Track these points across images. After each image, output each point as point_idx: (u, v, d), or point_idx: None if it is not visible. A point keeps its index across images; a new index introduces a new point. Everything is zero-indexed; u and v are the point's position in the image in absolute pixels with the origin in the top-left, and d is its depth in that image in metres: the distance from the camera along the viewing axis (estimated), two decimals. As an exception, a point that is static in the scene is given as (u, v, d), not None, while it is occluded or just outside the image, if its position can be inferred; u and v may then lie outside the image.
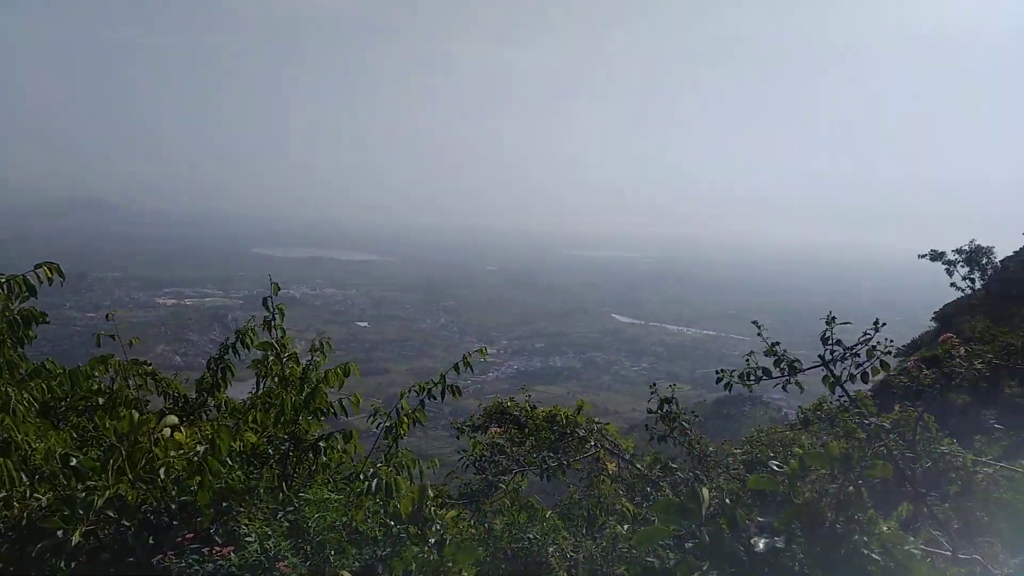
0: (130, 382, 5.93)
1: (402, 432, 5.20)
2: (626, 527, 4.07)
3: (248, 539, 3.45)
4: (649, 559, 3.82)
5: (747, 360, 4.29)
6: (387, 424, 5.07)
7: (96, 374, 5.68)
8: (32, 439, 3.97)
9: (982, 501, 5.23)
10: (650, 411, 5.81)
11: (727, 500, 2.69)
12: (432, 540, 3.08)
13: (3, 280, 4.02)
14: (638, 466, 5.61)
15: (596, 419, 6.11)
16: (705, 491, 2.87)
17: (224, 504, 3.72)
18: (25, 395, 4.33)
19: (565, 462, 5.41)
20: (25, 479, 3.76)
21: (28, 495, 3.77)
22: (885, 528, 2.93)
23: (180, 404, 5.60)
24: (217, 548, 3.42)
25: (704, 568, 2.76)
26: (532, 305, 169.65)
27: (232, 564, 3.30)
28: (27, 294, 4.51)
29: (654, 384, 6.12)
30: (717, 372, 4.77)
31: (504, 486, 5.20)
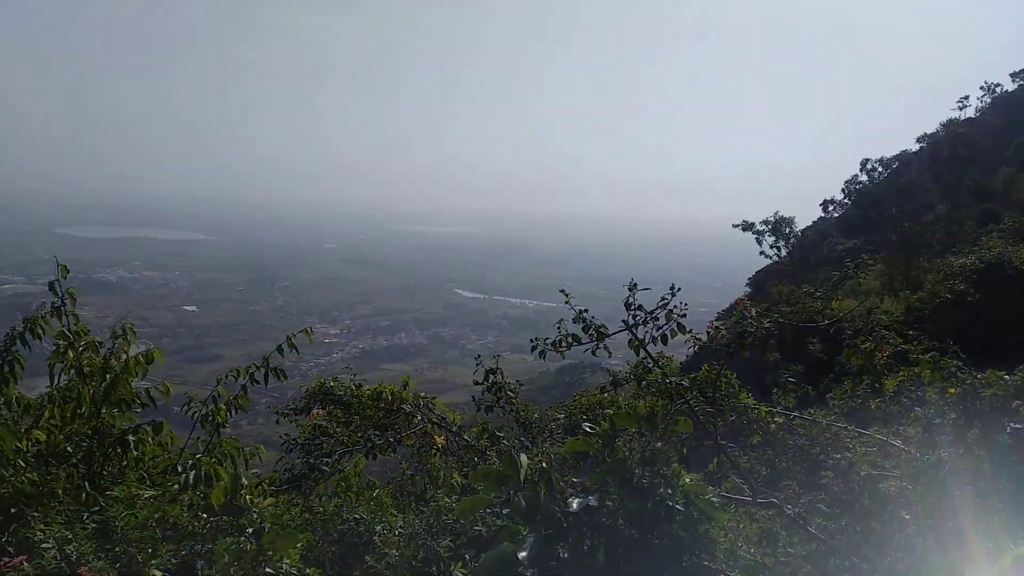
0: None
1: (220, 419, 4.95)
2: (453, 498, 4.15)
3: (45, 546, 3.17)
4: (477, 528, 3.95)
5: (558, 328, 4.48)
6: (203, 412, 4.81)
7: None
8: None
9: (781, 449, 5.83)
10: (476, 383, 5.93)
11: (542, 464, 2.81)
12: (249, 530, 2.98)
13: None
14: (466, 437, 5.72)
15: (422, 394, 6.15)
16: (523, 457, 2.98)
17: (13, 511, 3.39)
18: None
19: (392, 439, 5.41)
20: None
21: None
22: (688, 480, 3.18)
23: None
24: (6, 559, 3.12)
25: (523, 533, 2.87)
26: (373, 283, 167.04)
27: (26, 574, 3.02)
28: None
29: (478, 356, 6.23)
30: (531, 340, 4.94)
31: (328, 468, 5.11)
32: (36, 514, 3.39)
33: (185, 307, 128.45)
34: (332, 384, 5.96)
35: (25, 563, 3.06)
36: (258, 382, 5.47)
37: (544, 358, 4.30)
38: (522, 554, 2.69)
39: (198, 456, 4.64)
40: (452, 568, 3.19)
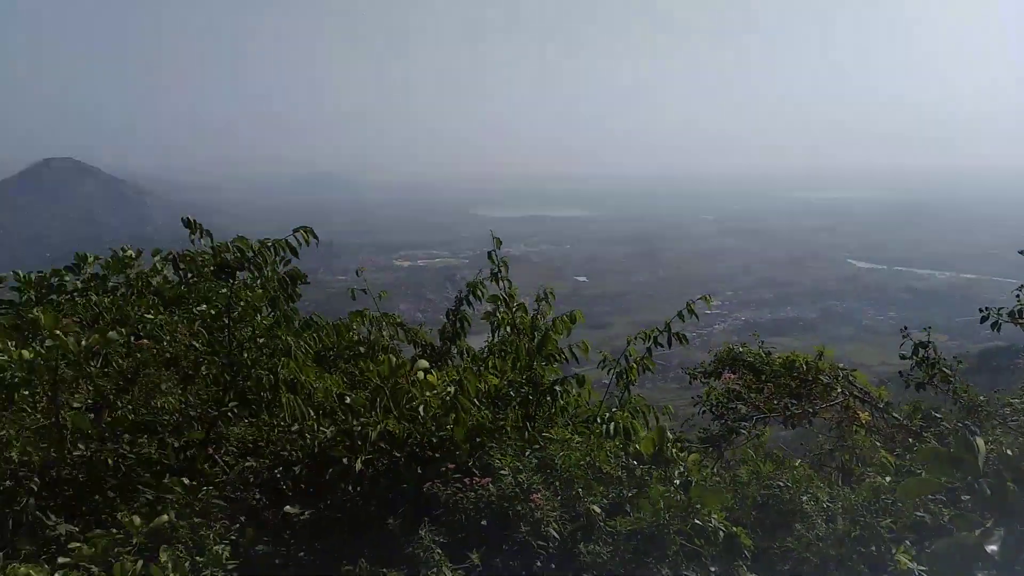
0: (384, 332, 6.59)
1: (632, 378, 5.27)
2: (887, 479, 3.81)
3: (502, 472, 3.73)
4: (918, 513, 3.56)
5: (1019, 296, 3.78)
6: (617, 371, 5.17)
7: (355, 326, 6.39)
8: (312, 381, 4.56)
9: None
10: (903, 356, 5.34)
11: (1008, 452, 2.41)
12: (677, 481, 3.11)
13: (269, 243, 4.61)
14: (895, 415, 5.18)
15: (840, 365, 5.74)
16: (980, 441, 2.61)
17: (478, 440, 4.04)
18: (302, 344, 4.97)
19: (810, 410, 5.16)
20: (312, 414, 4.36)
21: (316, 428, 4.36)
22: None
23: (427, 352, 6.12)
24: (476, 479, 3.74)
25: (987, 525, 2.52)
26: (755, 253, 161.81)
27: (491, 494, 3.59)
28: (289, 257, 5.14)
29: (904, 328, 5.59)
30: (981, 311, 4.28)
31: (745, 432, 5.09)
32: (493, 445, 4.01)
33: (576, 277, 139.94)
34: (741, 349, 5.93)
35: (490, 484, 3.64)
36: (661, 345, 5.71)
37: (997, 330, 3.68)
38: (991, 547, 2.36)
39: (614, 410, 5.01)
40: (895, 551, 2.94)
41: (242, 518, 4.28)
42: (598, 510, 3.39)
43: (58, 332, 4.02)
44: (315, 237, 4.64)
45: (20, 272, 6.82)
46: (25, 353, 4.45)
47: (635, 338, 5.46)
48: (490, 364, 5.44)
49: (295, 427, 4.66)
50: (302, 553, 4.26)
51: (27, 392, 5.00)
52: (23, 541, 4.16)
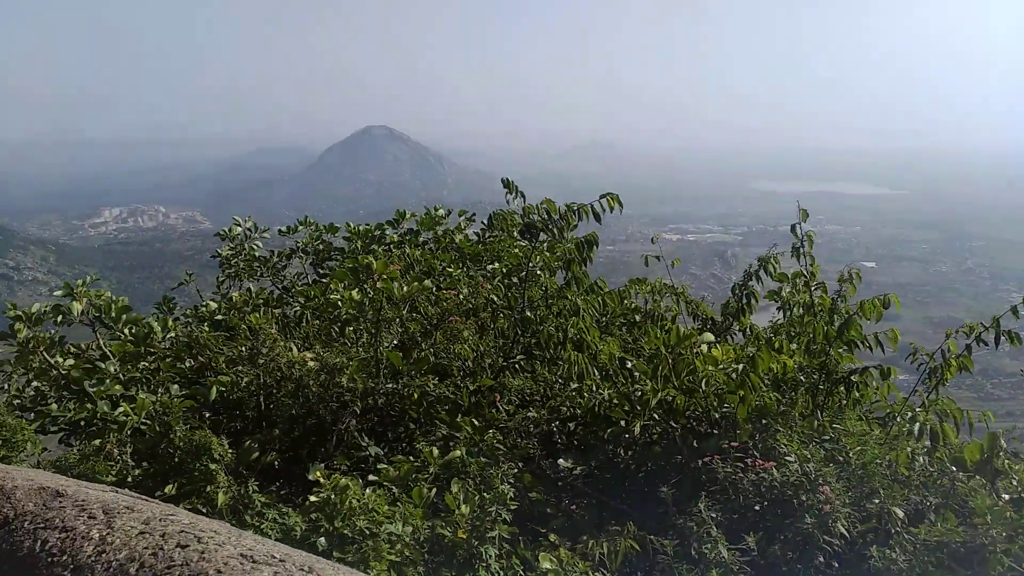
0: (662, 302, 6.57)
1: (947, 376, 4.67)
2: None
3: (788, 458, 3.54)
4: None
5: None
6: (930, 366, 4.61)
7: (632, 293, 6.43)
8: (598, 342, 4.70)
9: None
10: None
11: None
12: (1006, 496, 2.71)
13: (575, 207, 4.77)
14: None
15: None
16: None
17: (763, 422, 3.88)
18: (590, 306, 5.12)
19: None
20: (596, 373, 4.50)
21: (595, 388, 4.50)
22: None
23: (708, 326, 5.98)
24: (758, 461, 3.60)
25: None
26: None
27: (774, 479, 3.43)
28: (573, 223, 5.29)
29: None
30: None
31: None
32: (779, 428, 3.82)
33: (864, 263, 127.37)
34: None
35: (773, 469, 3.48)
36: (985, 344, 4.99)
37: None
38: None
39: (917, 409, 4.49)
40: None
41: (519, 464, 4.58)
42: (900, 514, 3.07)
43: (385, 277, 4.57)
44: (619, 204, 4.72)
45: (351, 224, 7.89)
46: (355, 294, 5.14)
47: (955, 331, 4.83)
48: (776, 345, 5.17)
49: (574, 384, 4.85)
50: (574, 506, 4.45)
51: (351, 328, 5.80)
52: (341, 457, 4.86)
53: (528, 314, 4.96)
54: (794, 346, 4.90)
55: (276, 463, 4.55)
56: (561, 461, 4.57)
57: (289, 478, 4.87)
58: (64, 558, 1.43)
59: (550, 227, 4.64)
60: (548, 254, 5.92)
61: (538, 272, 5.89)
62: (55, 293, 5.34)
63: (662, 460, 4.15)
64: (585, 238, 5.19)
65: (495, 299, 5.36)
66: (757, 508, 3.71)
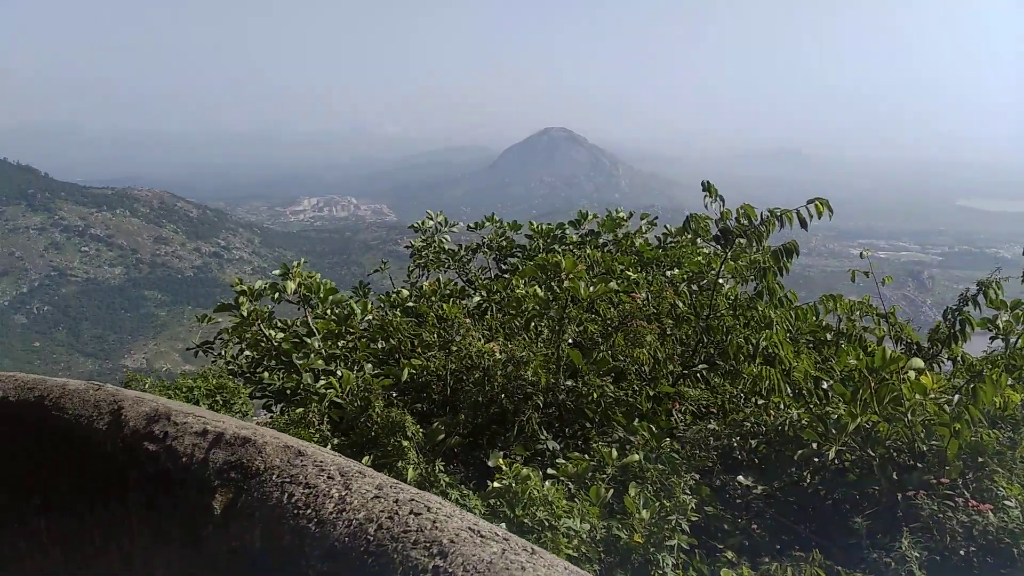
0: (859, 322, 6.13)
1: None
2: None
3: (1007, 503, 3.19)
4: None
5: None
6: None
7: (824, 309, 6.05)
8: (791, 358, 4.47)
9: None
10: None
11: None
12: None
13: (778, 212, 4.55)
14: None
15: None
16: None
17: (979, 459, 3.52)
18: (783, 320, 4.88)
19: None
20: (788, 391, 4.29)
21: (783, 406, 4.29)
22: None
23: (912, 351, 5.51)
24: (971, 502, 3.27)
25: None
26: None
27: (989, 522, 3.10)
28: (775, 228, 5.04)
29: None
30: None
31: None
32: (998, 470, 3.44)
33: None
34: None
35: (990, 512, 3.15)
36: None
37: None
38: None
39: None
40: None
41: (696, 475, 4.46)
42: None
43: (572, 276, 4.64)
44: (829, 210, 4.46)
45: (533, 222, 8.07)
46: (539, 291, 5.26)
47: None
48: (993, 376, 4.66)
49: (759, 400, 4.66)
50: (753, 526, 4.27)
51: (534, 324, 5.93)
52: (519, 447, 4.98)
53: (714, 323, 4.82)
54: (1010, 380, 4.39)
55: (457, 447, 4.76)
56: (740, 478, 4.41)
57: (466, 462, 5.08)
58: (308, 511, 1.59)
59: (747, 233, 4.46)
60: (733, 263, 5.72)
61: (721, 280, 5.70)
62: (273, 272, 5.91)
63: (855, 489, 3.88)
64: (784, 246, 4.94)
65: (680, 305, 5.26)
66: (963, 552, 3.37)
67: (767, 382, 4.28)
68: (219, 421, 2.10)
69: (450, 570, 1.34)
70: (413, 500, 1.53)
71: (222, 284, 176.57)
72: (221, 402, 5.80)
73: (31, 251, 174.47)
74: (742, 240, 4.55)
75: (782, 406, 4.38)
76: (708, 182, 4.47)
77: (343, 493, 1.60)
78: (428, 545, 1.39)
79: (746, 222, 4.41)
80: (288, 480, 1.71)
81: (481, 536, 1.40)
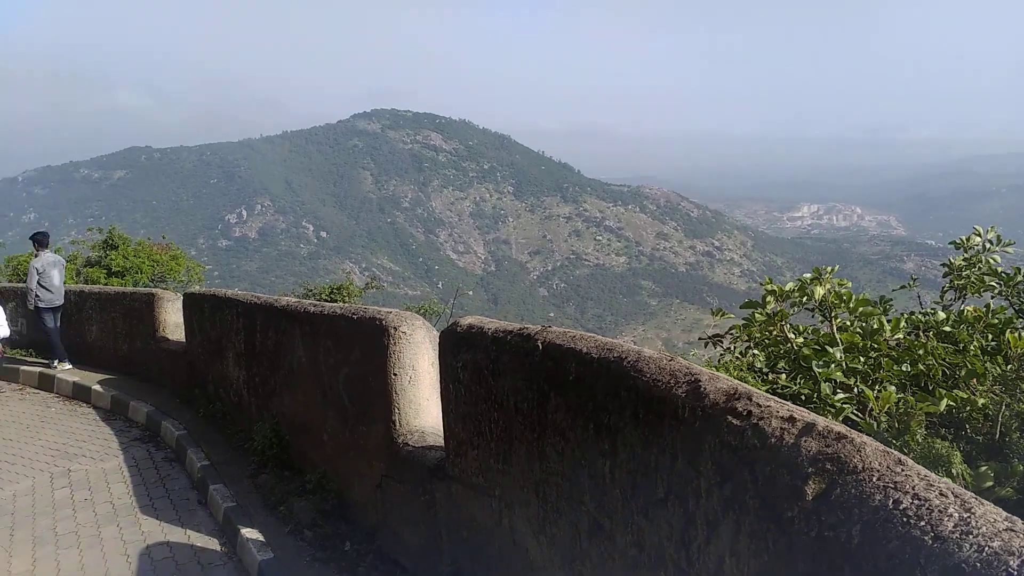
0: None
1: None
2: None
3: None
4: None
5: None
6: None
7: None
8: None
9: None
10: None
11: None
12: None
13: None
14: None
15: None
16: None
17: None
18: None
19: None
20: None
21: None
22: None
23: None
24: None
25: None
26: None
27: None
28: None
29: None
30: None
31: None
32: None
33: None
34: None
35: None
36: None
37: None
38: None
39: None
40: None
41: None
42: None
43: None
44: None
45: None
46: None
47: None
48: None
49: None
50: None
51: None
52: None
53: None
54: None
55: (1011, 499, 4.08)
56: None
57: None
58: (922, 524, 1.52)
59: None
60: None
61: None
62: (804, 276, 5.85)
63: None
64: None
65: None
66: None
67: None
68: (802, 412, 2.16)
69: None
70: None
71: (710, 282, 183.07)
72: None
73: (558, 236, 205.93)
74: None
75: None
76: None
77: (964, 515, 1.49)
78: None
79: None
80: (891, 486, 1.66)
81: None
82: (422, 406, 5.62)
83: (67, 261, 22.81)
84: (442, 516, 4.76)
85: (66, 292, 13.34)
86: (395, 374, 5.52)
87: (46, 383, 12.08)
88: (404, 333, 5.53)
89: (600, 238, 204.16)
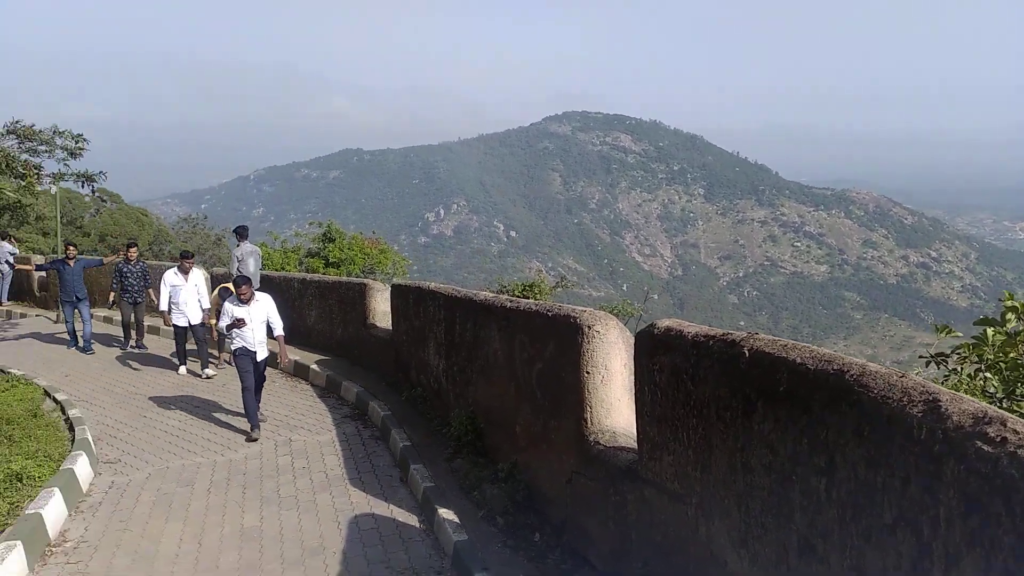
0: None
1: None
2: None
3: None
4: None
5: None
6: None
7: None
8: None
9: None
10: None
11: None
12: None
13: None
14: None
15: None
16: None
17: None
18: None
19: None
20: None
21: None
22: None
23: None
24: None
25: None
26: None
27: None
28: None
29: None
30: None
31: None
32: None
33: None
34: None
35: None
36: None
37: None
38: None
39: None
40: None
41: None
42: None
43: None
44: None
45: None
46: None
47: None
48: None
49: None
50: None
51: None
52: None
53: None
54: None
55: None
56: None
57: None
58: None
59: None
60: None
61: None
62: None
63: None
64: None
65: None
66: None
67: None
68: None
69: None
70: None
71: (924, 296, 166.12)
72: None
73: (752, 241, 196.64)
74: None
75: None
76: None
77: None
78: None
79: None
80: None
81: None
82: (613, 406, 5.62)
83: (291, 251, 25.32)
84: (633, 518, 4.72)
85: (290, 279, 14.83)
86: (587, 372, 5.56)
87: (271, 360, 13.46)
88: (598, 332, 5.56)
89: (799, 244, 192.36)
